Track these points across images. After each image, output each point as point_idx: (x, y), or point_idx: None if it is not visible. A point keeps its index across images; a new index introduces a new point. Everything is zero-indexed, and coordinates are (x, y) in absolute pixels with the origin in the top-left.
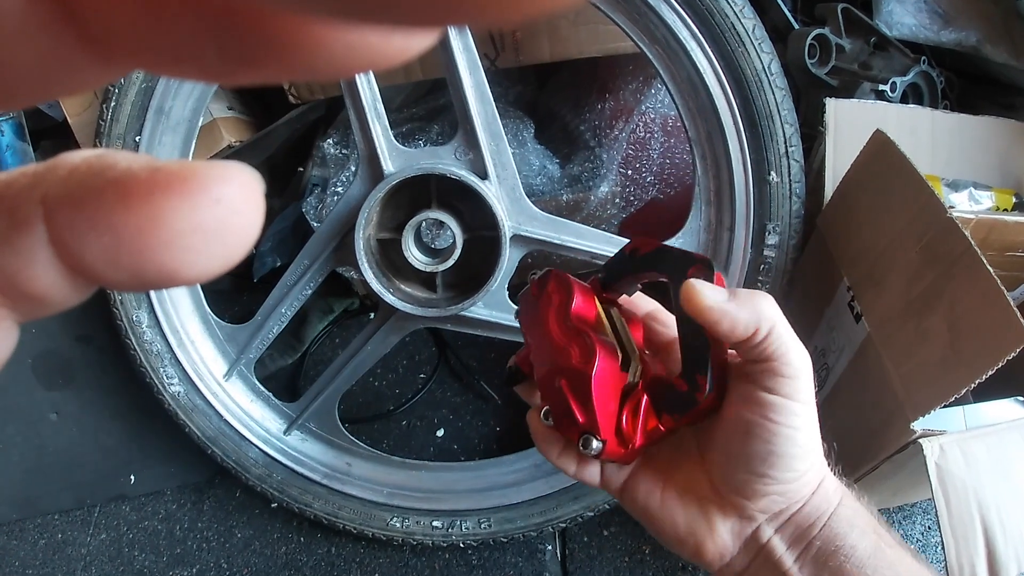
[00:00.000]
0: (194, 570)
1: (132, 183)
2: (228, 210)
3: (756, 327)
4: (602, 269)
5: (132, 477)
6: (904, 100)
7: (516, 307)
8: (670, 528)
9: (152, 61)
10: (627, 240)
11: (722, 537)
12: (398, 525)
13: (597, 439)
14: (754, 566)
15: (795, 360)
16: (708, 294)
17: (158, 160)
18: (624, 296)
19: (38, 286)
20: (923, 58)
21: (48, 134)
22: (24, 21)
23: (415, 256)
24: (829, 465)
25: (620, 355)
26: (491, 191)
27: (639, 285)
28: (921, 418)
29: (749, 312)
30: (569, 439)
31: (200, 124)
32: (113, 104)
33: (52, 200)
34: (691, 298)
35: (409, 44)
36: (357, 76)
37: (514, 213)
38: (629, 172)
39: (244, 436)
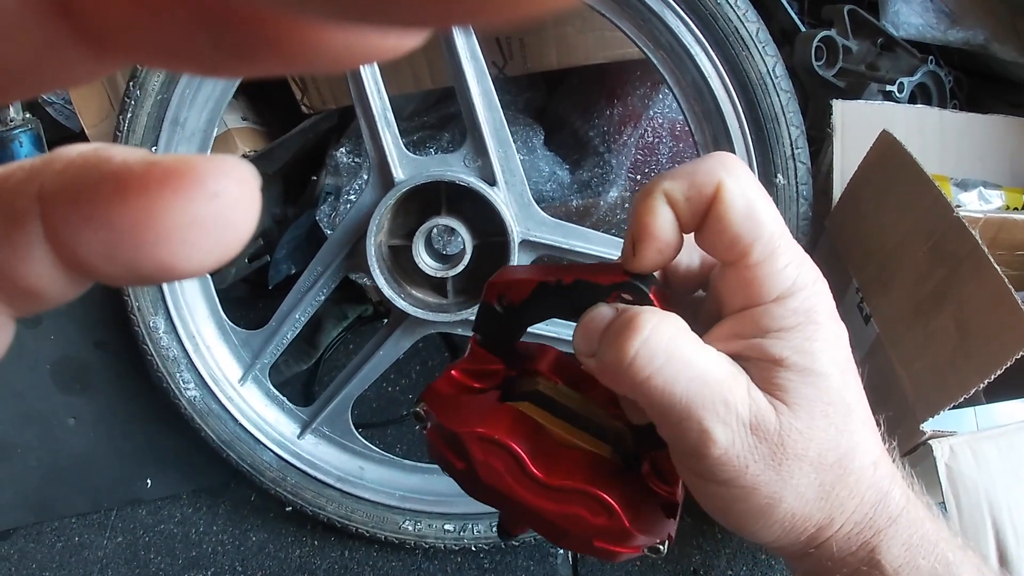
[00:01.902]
0: (209, 573)
1: (128, 177)
2: (225, 204)
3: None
4: (476, 330)
5: (148, 481)
6: (912, 100)
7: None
8: None
9: (147, 55)
10: None
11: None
12: (410, 528)
13: (658, 545)
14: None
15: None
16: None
17: (154, 154)
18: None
19: (34, 281)
20: (930, 58)
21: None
22: (19, 15)
23: (426, 262)
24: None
25: (605, 450)
26: (499, 197)
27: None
28: (931, 419)
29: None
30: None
31: (215, 135)
32: (129, 115)
33: (48, 194)
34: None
35: (401, 42)
36: (367, 86)
37: (522, 219)
38: (638, 177)
39: (259, 440)
